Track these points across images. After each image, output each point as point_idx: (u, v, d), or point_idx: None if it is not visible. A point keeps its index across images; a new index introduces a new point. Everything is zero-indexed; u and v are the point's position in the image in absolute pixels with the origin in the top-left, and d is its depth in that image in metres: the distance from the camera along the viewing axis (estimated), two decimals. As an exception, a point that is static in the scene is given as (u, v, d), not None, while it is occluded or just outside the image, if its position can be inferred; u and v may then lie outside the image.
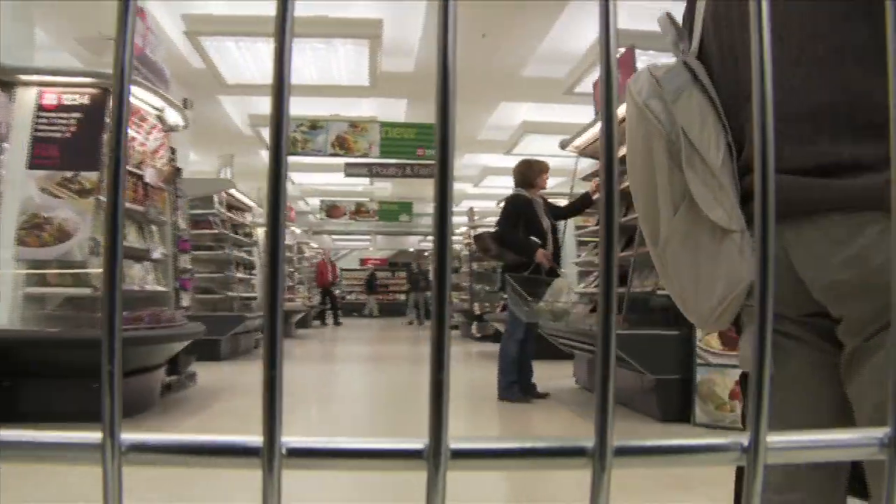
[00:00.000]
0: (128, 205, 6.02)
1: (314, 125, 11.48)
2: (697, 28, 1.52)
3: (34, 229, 5.37)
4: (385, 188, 21.18)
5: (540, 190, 7.02)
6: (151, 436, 0.41)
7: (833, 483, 1.38)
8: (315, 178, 19.31)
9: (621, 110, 7.17)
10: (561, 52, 9.68)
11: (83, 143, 5.50)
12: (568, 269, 7.69)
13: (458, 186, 20.86)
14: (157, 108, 6.31)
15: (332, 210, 20.92)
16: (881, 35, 0.46)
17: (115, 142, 0.39)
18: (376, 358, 12.83)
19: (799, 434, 0.44)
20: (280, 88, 0.39)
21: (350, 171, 14.12)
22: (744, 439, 0.42)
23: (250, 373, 9.58)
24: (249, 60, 9.55)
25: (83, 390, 4.20)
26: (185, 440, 0.41)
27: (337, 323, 21.94)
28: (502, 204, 7.36)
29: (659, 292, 5.76)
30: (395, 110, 12.82)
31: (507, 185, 14.59)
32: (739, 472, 1.20)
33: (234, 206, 12.63)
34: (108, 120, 5.56)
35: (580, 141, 7.76)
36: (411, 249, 31.89)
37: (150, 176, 6.16)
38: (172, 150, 7.06)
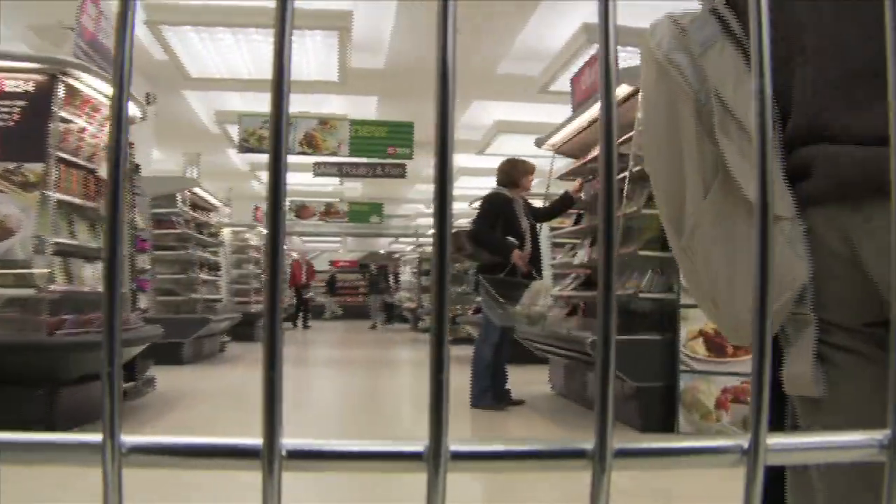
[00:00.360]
0: (78, 201, 5.67)
1: (282, 122, 11.11)
2: None
3: (-30, 225, 5.01)
4: (355, 188, 20.94)
5: (523, 192, 6.74)
6: (152, 438, 0.41)
7: None
8: (284, 178, 19.00)
9: (593, 111, 6.89)
10: (535, 49, 9.49)
11: (27, 132, 5.12)
12: (545, 272, 7.42)
13: (429, 187, 20.49)
14: (110, 98, 5.89)
15: (301, 211, 20.59)
16: None
17: (115, 142, 0.40)
18: (343, 362, 12.48)
19: (799, 436, 0.46)
20: (280, 83, 0.40)
21: (319, 170, 13.86)
22: (744, 441, 0.42)
23: (214, 377, 9.28)
24: (214, 53, 9.18)
25: (25, 398, 3.86)
26: (185, 442, 0.41)
27: (305, 326, 21.56)
28: (478, 203, 7.10)
29: (641, 295, 5.50)
30: (366, 108, 12.54)
31: (480, 186, 14.45)
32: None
33: (200, 205, 12.29)
34: (55, 109, 5.22)
35: (556, 138, 7.50)
36: (382, 251, 31.64)
37: (104, 170, 5.79)
38: (129, 145, 6.68)
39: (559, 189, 7.48)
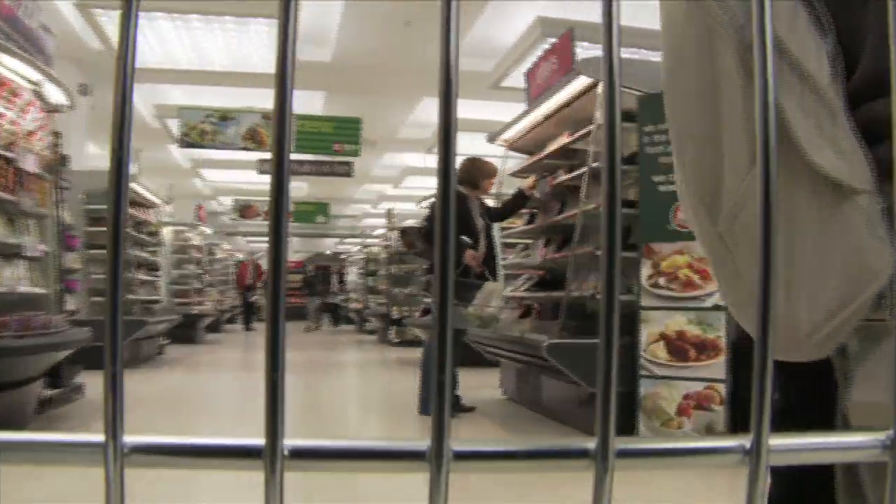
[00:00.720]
0: (-6, 193, 5.24)
1: (224, 116, 10.73)
2: None
3: None
4: (301, 188, 20.56)
5: (482, 194, 6.48)
6: (154, 438, 0.42)
7: None
8: (228, 176, 18.64)
9: (548, 105, 6.65)
10: (487, 44, 9.28)
11: None
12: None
13: (376, 187, 20.39)
14: (32, 82, 5.47)
15: (245, 210, 20.16)
16: None
17: (118, 143, 0.40)
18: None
19: (801, 436, 0.44)
20: (283, 76, 0.40)
21: (264, 167, 13.50)
22: (746, 441, 0.42)
23: (150, 382, 8.86)
24: (153, 41, 8.74)
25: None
26: (187, 442, 0.42)
27: (249, 329, 21.10)
28: (427, 202, 6.83)
29: (599, 297, 5.25)
30: (312, 103, 12.18)
31: (428, 186, 14.23)
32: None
33: (138, 202, 11.80)
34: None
35: (510, 134, 7.25)
36: (328, 252, 31.25)
37: (25, 161, 5.36)
38: (56, 135, 6.23)
39: (510, 188, 7.21)
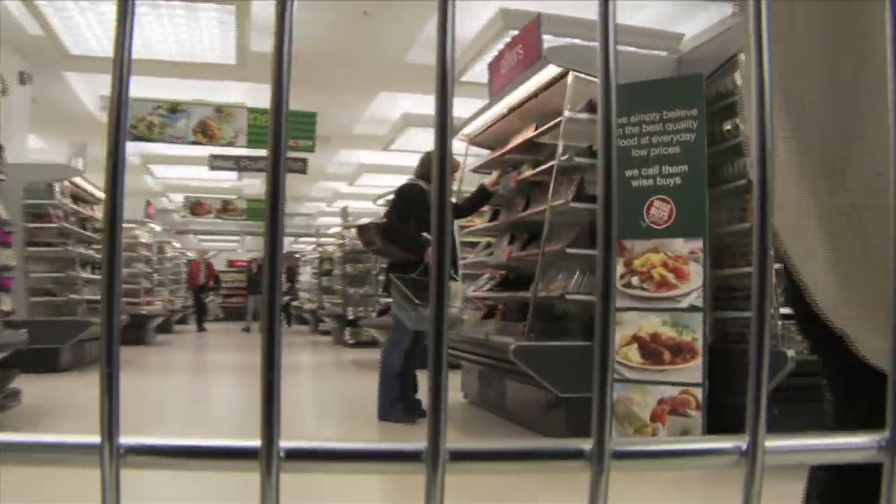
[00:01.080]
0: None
1: (174, 108, 10.34)
2: None
3: None
4: (254, 185, 20.06)
5: None
6: (150, 439, 0.41)
7: None
8: (178, 172, 18.15)
9: (512, 98, 6.40)
10: (448, 36, 8.96)
11: None
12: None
13: (331, 185, 20.04)
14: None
15: (196, 207, 19.64)
16: None
17: (115, 143, 0.40)
18: (239, 368, 11.71)
19: (798, 437, 0.44)
20: (279, 74, 0.40)
21: (215, 163, 13.14)
22: (742, 442, 0.42)
23: (95, 386, 8.39)
24: (97, 28, 8.32)
25: None
26: (183, 443, 0.41)
27: (201, 329, 20.61)
28: (383, 200, 6.54)
29: (568, 297, 5.02)
30: (266, 96, 11.72)
31: (384, 185, 13.92)
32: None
33: (83, 198, 11.35)
34: None
35: (472, 128, 7.00)
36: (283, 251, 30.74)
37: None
38: (-10, 123, 5.86)
39: (472, 185, 6.94)
